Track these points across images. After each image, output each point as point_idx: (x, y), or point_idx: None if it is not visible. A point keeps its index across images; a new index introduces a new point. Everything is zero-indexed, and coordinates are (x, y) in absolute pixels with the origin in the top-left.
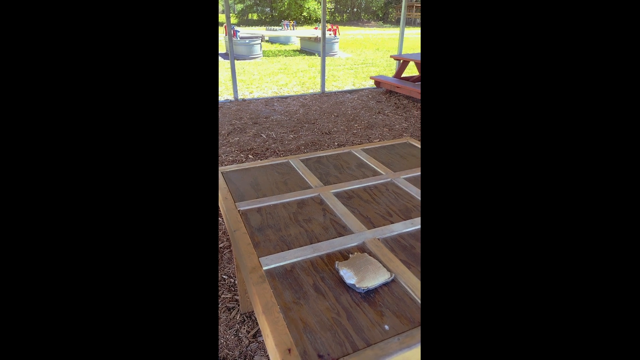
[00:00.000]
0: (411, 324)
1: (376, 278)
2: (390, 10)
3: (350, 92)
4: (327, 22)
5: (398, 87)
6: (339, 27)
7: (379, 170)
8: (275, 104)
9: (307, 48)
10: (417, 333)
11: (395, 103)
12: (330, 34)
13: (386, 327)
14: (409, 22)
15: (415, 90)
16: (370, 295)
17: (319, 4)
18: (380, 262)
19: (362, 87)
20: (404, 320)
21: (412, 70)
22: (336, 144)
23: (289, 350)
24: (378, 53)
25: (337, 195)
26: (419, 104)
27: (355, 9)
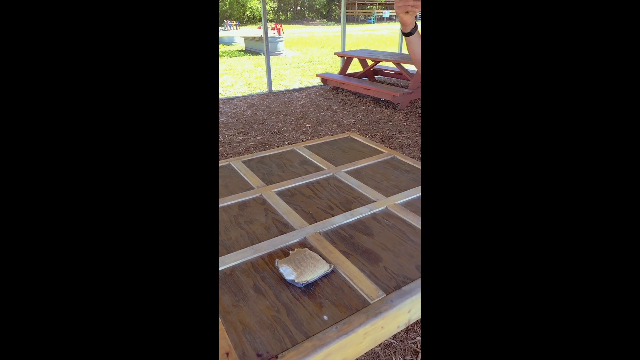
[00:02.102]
0: (349, 312)
1: (315, 271)
2: (334, 7)
3: (298, 90)
4: (271, 21)
5: (344, 84)
6: (283, 25)
7: (321, 165)
8: (222, 105)
9: (252, 48)
10: (355, 319)
11: (343, 99)
12: (274, 33)
13: (325, 317)
14: (351, 19)
15: (361, 86)
16: (310, 288)
17: (260, 2)
18: (320, 254)
19: (309, 85)
20: (342, 308)
21: (356, 67)
22: (286, 142)
23: (227, 353)
24: (324, 50)
25: (280, 193)
26: (365, 99)
27: (299, 7)
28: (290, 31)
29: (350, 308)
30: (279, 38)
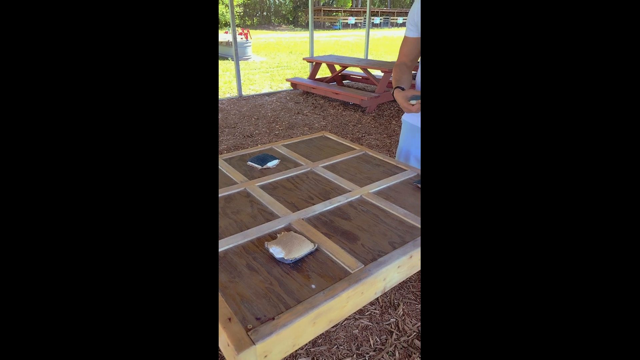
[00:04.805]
0: (333, 280)
1: (302, 249)
2: (300, 13)
3: (269, 94)
4: (238, 26)
5: (313, 88)
6: (250, 30)
7: (299, 162)
8: None
9: (220, 53)
10: (338, 286)
11: (313, 103)
12: (242, 38)
13: (313, 286)
14: (318, 26)
15: (330, 90)
16: (298, 264)
17: (227, 8)
18: (305, 236)
19: (279, 89)
20: (327, 278)
21: (325, 72)
22: (259, 145)
23: (229, 319)
24: (292, 56)
25: (263, 187)
26: (335, 103)
27: (265, 13)
28: (257, 36)
29: (334, 277)
30: (247, 43)
